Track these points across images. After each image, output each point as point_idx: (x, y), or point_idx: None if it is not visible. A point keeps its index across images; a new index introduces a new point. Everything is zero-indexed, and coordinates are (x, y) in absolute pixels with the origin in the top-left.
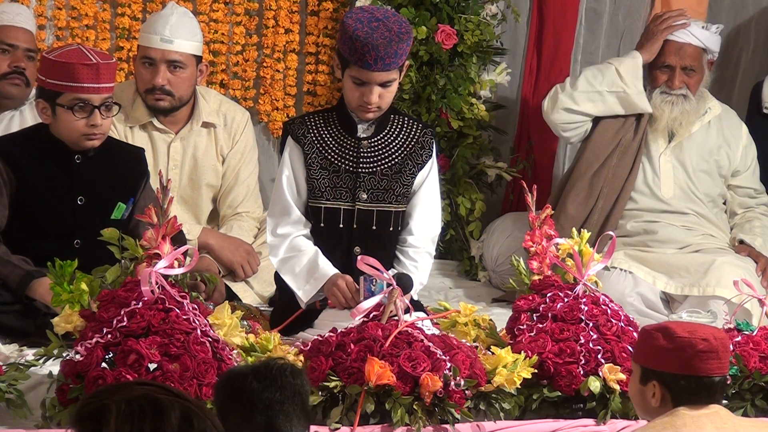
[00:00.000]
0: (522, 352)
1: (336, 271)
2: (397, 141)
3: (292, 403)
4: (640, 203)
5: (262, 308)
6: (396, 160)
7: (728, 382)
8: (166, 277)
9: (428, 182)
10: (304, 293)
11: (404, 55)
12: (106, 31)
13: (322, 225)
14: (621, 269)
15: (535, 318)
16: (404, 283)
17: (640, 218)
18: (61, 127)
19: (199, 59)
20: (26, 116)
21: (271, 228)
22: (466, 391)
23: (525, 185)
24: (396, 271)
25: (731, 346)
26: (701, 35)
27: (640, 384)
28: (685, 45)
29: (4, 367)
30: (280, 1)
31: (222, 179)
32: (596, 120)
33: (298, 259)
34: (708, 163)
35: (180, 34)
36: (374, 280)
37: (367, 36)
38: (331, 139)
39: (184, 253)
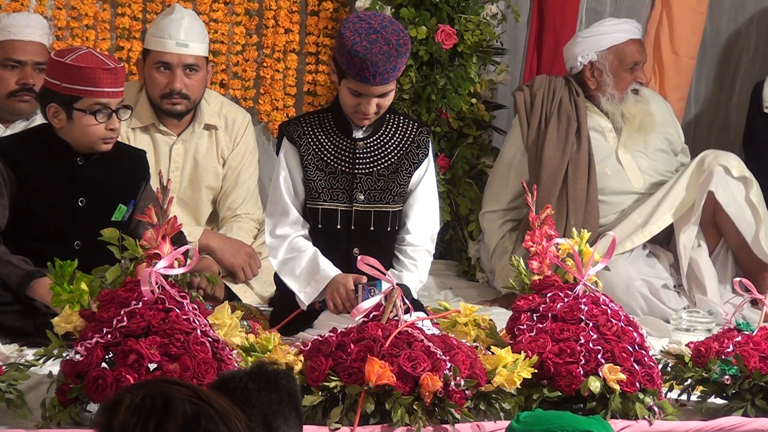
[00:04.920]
0: (522, 352)
1: (338, 271)
2: (393, 141)
3: (288, 404)
4: (619, 205)
5: (262, 308)
6: (392, 159)
7: (728, 382)
8: (166, 277)
9: (425, 181)
10: (305, 296)
11: (402, 67)
12: (106, 31)
13: (319, 226)
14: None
15: (535, 318)
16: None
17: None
18: (78, 131)
19: (207, 59)
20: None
21: (270, 229)
22: (466, 391)
23: (525, 185)
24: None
25: (731, 346)
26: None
27: None
28: (641, 40)
29: (4, 367)
30: (280, 1)
31: (222, 181)
32: (541, 147)
33: (297, 260)
34: (661, 142)
35: (194, 37)
36: (372, 290)
37: (366, 52)
38: (326, 140)
39: (184, 254)
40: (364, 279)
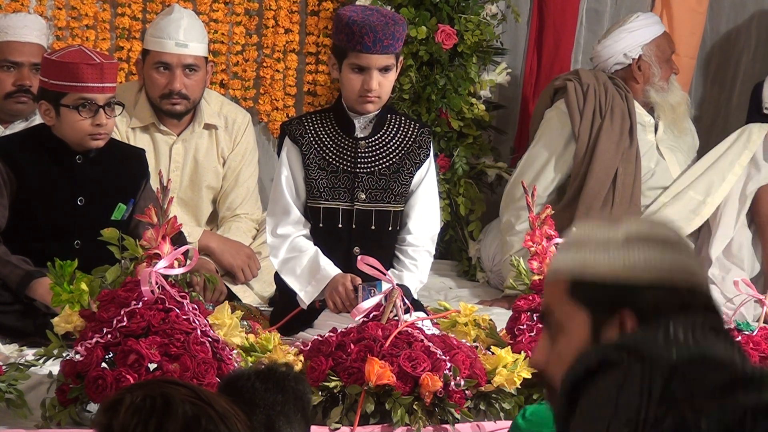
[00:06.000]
0: (522, 352)
1: (338, 271)
2: (394, 140)
3: (294, 406)
4: (652, 198)
5: (262, 308)
6: (394, 159)
7: None
8: (166, 277)
9: (426, 181)
10: (306, 295)
11: (401, 39)
12: (106, 31)
13: (320, 225)
14: None
15: (535, 318)
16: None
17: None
18: (66, 128)
19: (206, 59)
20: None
21: (271, 228)
22: (466, 391)
23: (524, 185)
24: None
25: None
26: None
27: None
28: None
29: (4, 367)
30: (280, 1)
31: (222, 181)
32: (594, 139)
33: (298, 260)
34: (690, 138)
35: (193, 38)
36: (372, 290)
37: (364, 19)
38: (328, 140)
39: (184, 254)
40: (359, 280)
